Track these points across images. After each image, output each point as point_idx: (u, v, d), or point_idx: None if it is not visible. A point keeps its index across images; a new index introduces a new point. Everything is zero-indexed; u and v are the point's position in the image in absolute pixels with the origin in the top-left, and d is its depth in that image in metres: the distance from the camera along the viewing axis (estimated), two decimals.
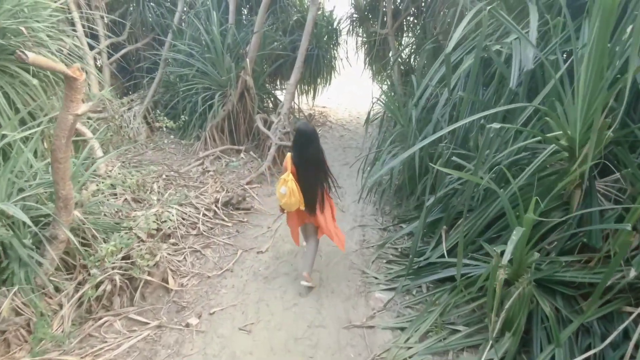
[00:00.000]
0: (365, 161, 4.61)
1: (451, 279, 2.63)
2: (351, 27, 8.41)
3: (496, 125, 1.83)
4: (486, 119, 2.56)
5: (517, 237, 1.63)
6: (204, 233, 3.52)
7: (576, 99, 2.07)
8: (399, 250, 3.30)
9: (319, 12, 7.93)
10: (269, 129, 5.58)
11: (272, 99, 7.33)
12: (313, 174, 2.71)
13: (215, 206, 3.89)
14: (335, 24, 8.13)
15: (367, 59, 8.86)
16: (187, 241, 3.38)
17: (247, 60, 5.44)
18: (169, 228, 3.39)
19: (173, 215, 3.53)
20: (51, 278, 2.52)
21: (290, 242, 3.52)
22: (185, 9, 6.88)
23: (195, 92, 5.94)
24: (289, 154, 2.74)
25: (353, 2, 8.22)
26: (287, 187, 2.62)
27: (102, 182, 3.13)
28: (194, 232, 3.53)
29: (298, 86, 8.43)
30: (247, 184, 4.62)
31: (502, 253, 1.72)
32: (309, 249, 2.94)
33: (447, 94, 2.97)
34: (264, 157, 5.33)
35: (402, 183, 3.87)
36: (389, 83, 8.02)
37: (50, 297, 2.51)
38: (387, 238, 3.44)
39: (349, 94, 11.40)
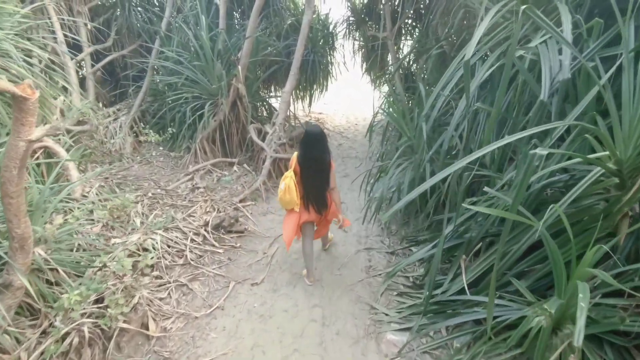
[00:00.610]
0: (367, 175, 4.28)
1: (475, 320, 2.29)
2: (348, 31, 8.10)
3: (542, 151, 1.49)
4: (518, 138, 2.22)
5: (586, 304, 1.29)
6: (192, 262, 3.15)
7: (625, 114, 1.75)
8: (411, 279, 2.95)
9: (314, 16, 7.62)
10: (263, 139, 5.23)
11: (266, 106, 6.99)
12: (315, 174, 2.75)
13: (205, 230, 3.52)
14: (331, 27, 7.82)
15: (365, 64, 8.57)
16: (172, 273, 3.01)
17: (239, 67, 5.10)
18: (151, 258, 3.02)
19: (157, 243, 3.16)
20: (9, 328, 2.15)
21: (288, 270, 3.16)
22: (174, 14, 6.53)
23: (184, 102, 5.58)
24: (295, 153, 2.81)
25: (349, 4, 7.92)
26: (285, 183, 2.69)
27: (73, 212, 2.74)
28: (181, 261, 3.16)
29: (293, 92, 8.11)
30: (240, 201, 4.25)
31: (540, 295, 1.38)
32: (306, 251, 2.96)
33: (465, 106, 2.63)
34: (259, 171, 4.97)
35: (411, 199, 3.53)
36: (389, 90, 7.73)
37: (7, 353, 2.13)
38: (397, 264, 3.09)
39: (346, 99, 11.09)
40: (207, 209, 3.94)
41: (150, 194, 4.35)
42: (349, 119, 9.13)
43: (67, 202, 3.22)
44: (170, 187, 4.59)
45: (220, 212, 3.93)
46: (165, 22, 6.29)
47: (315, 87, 7.92)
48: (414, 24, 7.53)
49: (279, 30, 6.90)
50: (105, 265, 2.47)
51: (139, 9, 6.99)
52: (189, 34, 5.47)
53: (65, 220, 2.55)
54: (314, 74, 7.47)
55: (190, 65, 5.45)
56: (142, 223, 3.60)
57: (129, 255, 2.86)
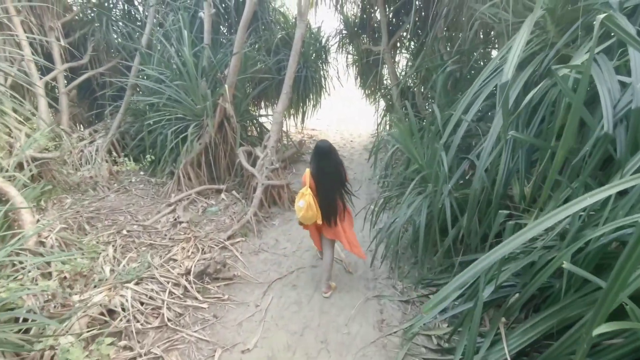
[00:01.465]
0: (372, 208, 3.82)
1: None
2: (341, 44, 7.76)
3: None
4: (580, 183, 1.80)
5: None
6: (170, 323, 2.61)
7: None
8: (434, 339, 2.47)
9: (306, 29, 7.26)
10: (254, 164, 4.76)
11: (257, 126, 6.54)
12: (330, 187, 2.80)
13: (187, 279, 2.99)
14: (323, 41, 7.46)
15: (359, 78, 8.22)
16: (145, 340, 2.47)
17: (226, 85, 4.64)
18: (120, 320, 2.49)
19: (127, 301, 2.63)
20: None
21: (287, 330, 2.65)
22: (157, 28, 6.08)
23: (166, 123, 5.08)
24: (308, 169, 2.85)
25: (342, 17, 7.58)
26: (305, 201, 2.72)
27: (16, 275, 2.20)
28: (157, 322, 2.62)
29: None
30: (229, 238, 3.75)
31: None
32: (325, 260, 3.01)
33: (501, 137, 2.20)
34: (249, 199, 4.48)
35: (425, 236, 3.07)
36: (387, 107, 7.35)
37: None
38: (415, 320, 2.61)
39: (340, 114, 10.72)
40: (190, 250, 3.42)
41: (125, 231, 3.81)
42: (343, 136, 8.73)
43: (19, 252, 2.69)
44: (149, 221, 4.05)
45: (205, 252, 3.41)
46: (145, 37, 5.83)
47: (307, 103, 7.50)
48: (409, 37, 7.22)
49: (268, 44, 6.50)
50: (52, 347, 1.94)
51: (120, 23, 6.54)
52: (171, 51, 5.00)
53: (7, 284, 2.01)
54: (307, 90, 7.06)
55: (173, 84, 4.97)
56: (112, 271, 3.06)
57: (89, 323, 2.32)
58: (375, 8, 6.87)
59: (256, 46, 6.58)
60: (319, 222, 2.82)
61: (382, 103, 8.01)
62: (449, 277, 2.94)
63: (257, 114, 7.73)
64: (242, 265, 3.41)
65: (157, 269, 3.07)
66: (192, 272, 3.01)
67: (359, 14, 7.46)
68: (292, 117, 7.78)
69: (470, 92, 2.46)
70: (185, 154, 4.87)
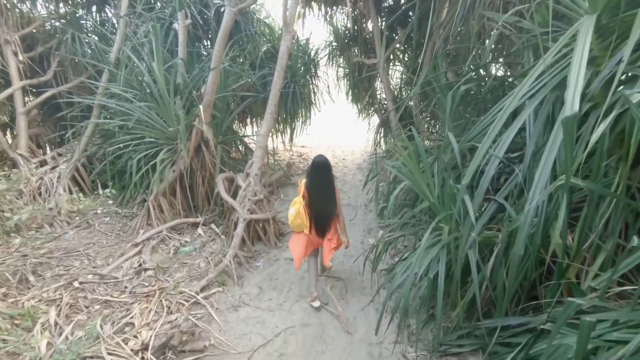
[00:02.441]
0: (372, 244, 3.27)
1: None
2: (330, 57, 7.29)
3: None
4: None
5: None
6: None
7: None
8: None
9: (293, 42, 6.78)
10: (235, 194, 4.17)
11: (242, 147, 5.97)
12: (322, 199, 2.95)
13: (143, 357, 2.36)
14: (312, 53, 6.98)
15: (351, 93, 7.75)
16: None
17: (202, 105, 4.08)
18: None
19: None
20: None
21: None
22: (128, 42, 5.51)
23: (136, 147, 4.46)
24: (303, 180, 3.03)
25: (331, 28, 7.14)
26: (295, 209, 2.94)
27: None
28: None
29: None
30: (202, 290, 3.13)
31: None
32: (310, 269, 3.13)
33: (559, 187, 1.67)
34: (229, 234, 3.87)
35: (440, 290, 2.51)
36: (381, 122, 6.87)
37: None
38: None
39: (331, 129, 10.22)
40: (153, 310, 2.80)
41: (77, 283, 3.17)
42: (335, 153, 8.20)
43: None
44: (108, 268, 3.41)
45: (171, 312, 2.79)
46: (115, 52, 5.25)
47: (296, 120, 6.98)
48: (405, 48, 6.79)
49: (252, 58, 5.99)
50: None
51: (92, 36, 5.96)
52: (140, 67, 4.42)
53: None
54: (295, 106, 6.54)
55: (142, 104, 4.38)
56: (49, 345, 2.42)
57: None
58: (368, 19, 6.44)
59: (240, 60, 6.07)
60: (306, 231, 3.00)
61: (376, 118, 7.55)
62: (472, 344, 2.39)
63: (243, 131, 7.20)
64: (218, 327, 2.79)
65: (106, 341, 2.43)
66: (150, 347, 2.38)
67: (350, 25, 7.03)
68: (280, 134, 7.25)
69: (498, 120, 1.94)
70: (157, 183, 4.26)
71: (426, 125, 6.07)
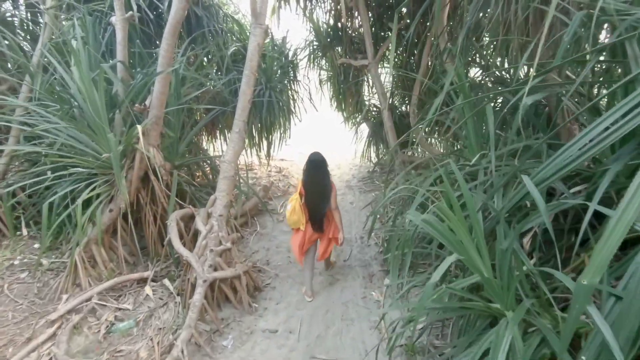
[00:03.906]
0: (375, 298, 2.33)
1: None
2: (311, 58, 6.35)
3: None
4: None
5: None
6: None
7: None
8: None
9: (267, 40, 5.79)
10: (193, 244, 3.14)
11: (208, 168, 4.92)
12: (317, 196, 2.98)
13: None
14: (290, 54, 6.01)
15: (335, 98, 6.83)
16: None
17: (139, 126, 3.03)
18: None
19: None
20: None
21: None
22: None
23: (62, 179, 3.37)
24: (301, 178, 3.07)
25: (311, 26, 6.20)
26: (292, 205, 3.02)
27: None
28: None
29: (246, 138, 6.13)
30: None
31: None
32: (305, 267, 3.17)
33: None
34: (188, 293, 2.83)
35: None
36: (372, 132, 5.97)
37: None
38: None
39: (314, 139, 9.21)
40: None
41: None
42: None
43: None
44: None
45: None
46: (37, 55, 4.10)
47: (273, 131, 5.98)
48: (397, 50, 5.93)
49: (217, 59, 4.97)
50: None
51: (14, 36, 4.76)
52: (62, 72, 3.32)
53: None
54: (271, 116, 5.54)
55: (67, 122, 3.29)
56: None
57: None
58: (354, 13, 5.54)
59: (204, 64, 5.04)
60: (302, 228, 3.02)
61: (365, 127, 6.67)
62: None
63: (211, 148, 6.14)
64: None
65: None
66: None
67: (332, 22, 6.11)
68: (255, 147, 6.21)
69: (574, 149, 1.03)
70: (87, 227, 3.18)
71: (429, 139, 5.24)
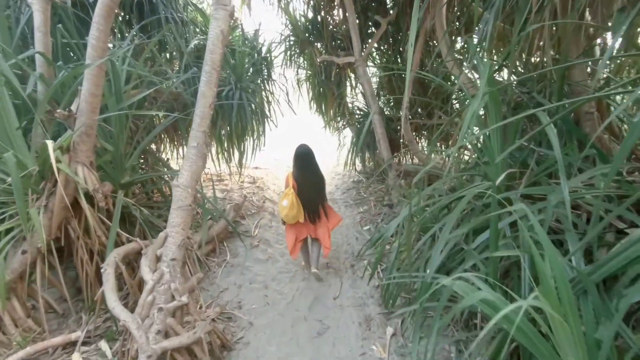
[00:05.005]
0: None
1: None
2: (288, 55, 5.65)
3: None
4: None
5: None
6: None
7: None
8: None
9: (237, 33, 5.04)
10: (142, 289, 2.36)
11: (168, 181, 4.10)
12: (312, 188, 3.11)
13: None
14: (264, 50, 5.28)
15: (315, 100, 6.17)
16: None
17: (48, 143, 2.23)
18: None
19: None
20: None
21: None
22: None
23: None
24: (290, 172, 3.18)
25: (287, 18, 5.50)
26: (289, 200, 2.99)
27: None
28: None
29: (213, 146, 5.34)
30: None
31: None
32: (304, 251, 3.32)
33: None
34: (131, 354, 2.08)
35: None
36: (356, 140, 5.34)
37: None
38: None
39: (291, 144, 8.45)
40: None
41: None
42: None
43: None
44: None
45: None
46: None
47: (245, 138, 5.22)
48: (382, 47, 5.37)
49: (171, 51, 4.18)
50: None
51: None
52: None
53: None
54: (243, 121, 4.80)
55: None
56: None
57: None
58: (335, 4, 4.90)
59: (165, 58, 4.22)
60: (301, 220, 3.09)
61: (349, 132, 6.05)
62: None
63: (172, 157, 5.29)
64: None
65: None
66: None
67: (311, 15, 5.44)
68: (223, 155, 5.42)
69: None
70: None
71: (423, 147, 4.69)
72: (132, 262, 2.97)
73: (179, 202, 2.28)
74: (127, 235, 2.83)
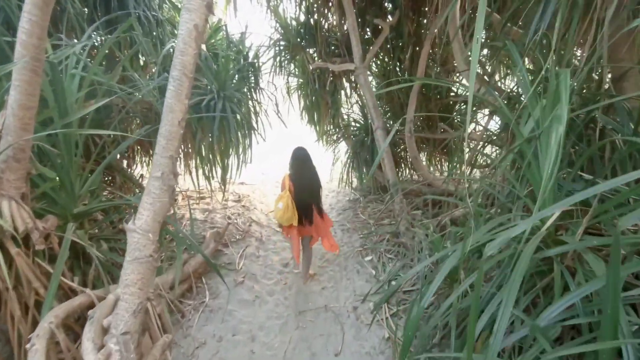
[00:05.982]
0: None
1: None
2: (278, 62, 5.13)
3: None
4: None
5: None
6: None
7: None
8: None
9: (219, 38, 4.50)
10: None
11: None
12: (309, 190, 3.13)
13: None
14: (251, 55, 4.74)
15: (307, 111, 5.66)
16: None
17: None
18: None
19: None
20: None
21: None
22: None
23: None
24: (286, 174, 3.15)
25: (277, 21, 5.00)
26: (284, 203, 2.99)
27: None
28: None
29: (192, 159, 4.75)
30: None
31: None
32: (304, 258, 3.30)
33: None
34: None
35: None
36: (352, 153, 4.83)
37: None
38: None
39: (280, 157, 7.90)
40: None
41: None
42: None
43: None
44: None
45: None
46: None
47: (229, 153, 4.64)
48: (380, 54, 4.91)
49: (137, 52, 3.61)
50: None
51: None
52: None
53: None
54: (225, 135, 4.23)
55: None
56: None
57: None
58: (330, 5, 4.43)
59: (140, 62, 3.63)
60: (295, 223, 3.04)
61: (344, 146, 5.55)
62: None
63: (147, 169, 4.66)
64: None
65: None
66: None
67: (302, 18, 4.95)
68: (204, 171, 4.81)
69: None
70: None
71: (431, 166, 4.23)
72: (82, 317, 2.36)
73: (135, 252, 1.68)
74: (72, 284, 2.21)
